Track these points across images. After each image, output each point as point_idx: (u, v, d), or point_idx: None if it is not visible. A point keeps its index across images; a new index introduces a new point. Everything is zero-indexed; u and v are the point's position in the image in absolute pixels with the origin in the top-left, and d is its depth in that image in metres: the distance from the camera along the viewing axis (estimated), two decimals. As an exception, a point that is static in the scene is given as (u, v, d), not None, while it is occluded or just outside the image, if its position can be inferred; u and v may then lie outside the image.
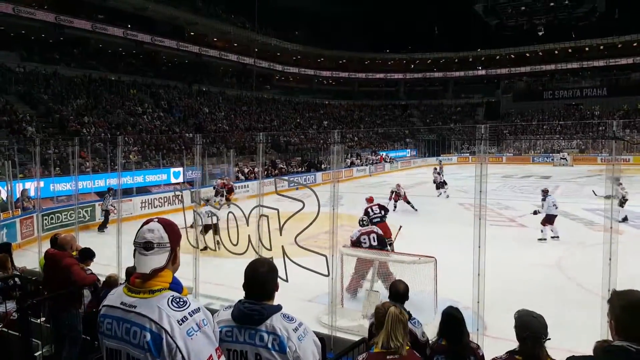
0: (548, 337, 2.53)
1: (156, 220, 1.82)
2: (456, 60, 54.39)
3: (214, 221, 9.88)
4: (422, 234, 11.42)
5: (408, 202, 16.64)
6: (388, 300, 3.94)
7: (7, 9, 26.49)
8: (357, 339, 4.64)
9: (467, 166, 32.23)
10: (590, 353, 2.90)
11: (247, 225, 4.84)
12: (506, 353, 2.61)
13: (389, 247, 8.10)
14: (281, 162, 29.31)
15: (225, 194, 17.44)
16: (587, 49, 48.62)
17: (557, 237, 11.41)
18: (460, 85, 55.99)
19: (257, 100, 41.67)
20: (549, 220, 11.52)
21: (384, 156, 37.50)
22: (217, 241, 9.24)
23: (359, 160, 34.36)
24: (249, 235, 4.54)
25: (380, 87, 56.81)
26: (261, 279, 2.03)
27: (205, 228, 9.54)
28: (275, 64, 47.11)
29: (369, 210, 9.52)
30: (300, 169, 29.15)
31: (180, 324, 1.62)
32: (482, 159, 5.25)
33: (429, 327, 4.57)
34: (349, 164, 31.59)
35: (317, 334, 2.13)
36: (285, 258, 4.20)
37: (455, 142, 44.87)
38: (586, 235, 11.75)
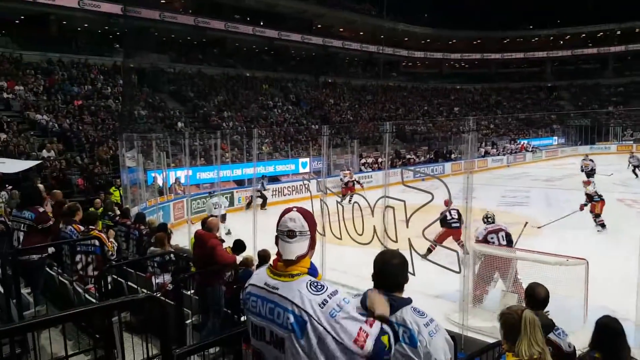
0: None
1: (295, 209, 1.93)
2: (618, 32, 46.69)
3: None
4: (572, 232, 10.18)
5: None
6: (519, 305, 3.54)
7: (155, 15, 29.64)
8: (489, 340, 4.30)
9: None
10: None
11: (372, 216, 4.74)
12: None
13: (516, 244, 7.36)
14: (407, 152, 28.73)
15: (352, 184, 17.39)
16: None
17: None
18: (623, 62, 47.69)
19: (382, 88, 41.33)
20: None
21: (525, 145, 34.30)
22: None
23: (494, 150, 31.84)
24: (374, 226, 4.45)
25: (522, 68, 51.37)
26: (392, 271, 2.02)
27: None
28: (400, 50, 45.84)
29: (446, 214, 8.70)
30: (426, 158, 28.25)
31: (322, 307, 1.70)
32: None
33: (576, 336, 4.04)
34: (482, 154, 29.47)
35: (448, 332, 2.04)
36: (412, 251, 4.01)
37: (614, 128, 39.09)
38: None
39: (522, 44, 50.19)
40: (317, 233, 1.99)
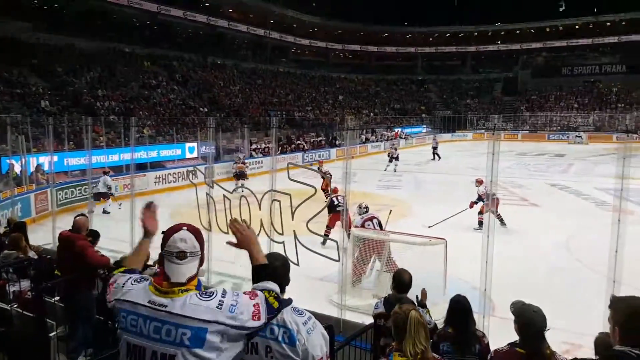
0: (547, 328, 2.55)
1: (185, 228, 1.86)
2: (475, 34, 52.95)
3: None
4: (432, 213, 11.35)
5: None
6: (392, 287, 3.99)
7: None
8: (366, 318, 4.70)
9: (483, 143, 31.83)
10: (592, 341, 2.94)
11: (260, 210, 4.88)
12: (507, 345, 2.63)
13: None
14: (296, 138, 29.24)
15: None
16: (608, 24, 46.97)
17: None
18: (478, 60, 54.83)
19: (272, 73, 41.32)
20: None
21: (399, 132, 37.16)
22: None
23: (373, 137, 34.08)
24: (260, 220, 4.59)
25: (398, 61, 55.60)
26: (274, 274, 2.05)
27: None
28: (287, 36, 46.19)
29: (334, 199, 9.69)
30: (312, 144, 29.06)
31: (220, 308, 1.71)
32: (495, 136, 5.16)
33: (437, 309, 4.65)
34: (363, 140, 31.35)
35: (327, 318, 2.18)
36: (297, 243, 4.24)
37: (471, 118, 44.23)
38: (596, 215, 11.61)
39: (398, 39, 53.98)
40: (203, 229, 1.99)
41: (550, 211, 12.37)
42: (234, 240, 2.08)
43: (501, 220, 10.31)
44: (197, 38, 39.29)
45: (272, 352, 1.97)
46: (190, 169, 15.03)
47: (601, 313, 3.21)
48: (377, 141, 33.13)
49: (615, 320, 1.84)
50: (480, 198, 10.73)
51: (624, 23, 46.17)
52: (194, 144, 21.59)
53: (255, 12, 42.20)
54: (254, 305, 1.76)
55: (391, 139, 34.44)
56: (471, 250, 5.47)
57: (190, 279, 1.80)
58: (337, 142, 29.19)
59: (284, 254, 2.95)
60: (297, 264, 4.02)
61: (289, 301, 2.04)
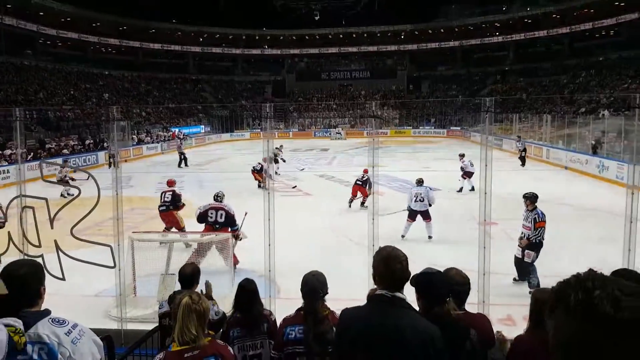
0: (326, 292, 2.84)
1: None
2: (244, 37, 55.12)
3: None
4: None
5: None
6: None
7: None
8: (151, 327, 4.43)
9: (259, 142, 33.55)
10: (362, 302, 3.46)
11: (6, 220, 4.04)
12: (295, 311, 2.87)
13: (239, 229, 7.79)
14: (51, 142, 25.26)
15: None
16: (354, 35, 55.20)
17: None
18: (249, 63, 57.35)
19: (14, 67, 34.61)
20: (468, 175, 14.28)
21: (176, 132, 35.96)
22: None
23: (149, 138, 32.13)
24: (8, 232, 3.79)
25: (169, 60, 53.47)
26: (19, 283, 1.80)
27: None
28: (27, 23, 38.53)
29: (162, 195, 9.37)
30: (75, 148, 25.64)
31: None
32: (268, 135, 5.54)
33: (228, 299, 4.70)
34: (136, 142, 29.36)
35: (104, 331, 1.98)
36: (60, 253, 3.67)
37: (247, 119, 46.00)
38: (358, 199, 13.57)
39: (168, 36, 52.14)
40: None
41: (321, 198, 13.84)
42: None
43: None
44: None
45: None
46: None
47: (366, 277, 3.76)
48: (152, 142, 31.39)
49: (374, 270, 2.15)
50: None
51: (365, 35, 54.96)
52: None
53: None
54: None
55: (168, 140, 33.17)
56: (257, 241, 5.72)
57: None
58: (105, 145, 26.48)
59: (45, 269, 2.52)
60: (63, 278, 3.48)
61: (45, 312, 1.80)
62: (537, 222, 6.72)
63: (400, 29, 54.16)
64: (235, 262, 7.30)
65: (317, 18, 48.66)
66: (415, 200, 9.32)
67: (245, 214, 7.83)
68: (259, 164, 15.00)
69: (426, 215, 9.35)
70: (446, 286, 2.39)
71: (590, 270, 0.77)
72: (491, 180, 5.31)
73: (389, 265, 2.04)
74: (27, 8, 37.77)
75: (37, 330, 1.73)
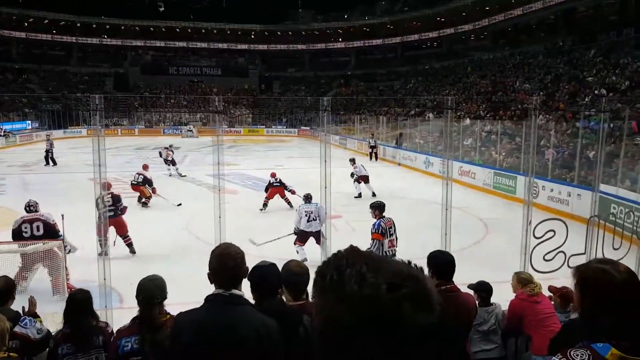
0: (165, 297, 2.77)
1: None
2: (78, 25, 49.38)
3: None
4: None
5: None
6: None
7: None
8: None
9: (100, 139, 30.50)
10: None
11: None
12: (131, 320, 2.75)
13: (64, 239, 6.65)
14: None
15: None
16: (203, 30, 53.67)
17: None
18: (86, 53, 51.49)
19: None
20: (364, 179, 13.86)
21: (-2, 129, 30.77)
22: None
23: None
24: None
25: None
26: None
27: None
28: None
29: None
30: None
31: None
32: (97, 132, 5.18)
33: (58, 317, 4.23)
34: None
35: None
36: None
37: (84, 114, 41.33)
38: (209, 198, 13.18)
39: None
40: None
41: (172, 198, 13.20)
42: None
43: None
44: None
45: None
46: None
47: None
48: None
49: (209, 268, 2.11)
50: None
51: (215, 32, 53.80)
52: None
53: None
54: None
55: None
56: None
57: None
58: None
59: None
60: None
61: None
62: (373, 233, 6.41)
63: (251, 29, 54.43)
64: (67, 275, 6.57)
65: (161, 10, 45.93)
66: (309, 220, 8.02)
67: (62, 216, 6.80)
68: (139, 174, 12.71)
69: (319, 237, 7.91)
70: (278, 278, 2.52)
71: (351, 246, 0.79)
72: (331, 176, 5.71)
73: (222, 262, 2.08)
74: None
75: None
